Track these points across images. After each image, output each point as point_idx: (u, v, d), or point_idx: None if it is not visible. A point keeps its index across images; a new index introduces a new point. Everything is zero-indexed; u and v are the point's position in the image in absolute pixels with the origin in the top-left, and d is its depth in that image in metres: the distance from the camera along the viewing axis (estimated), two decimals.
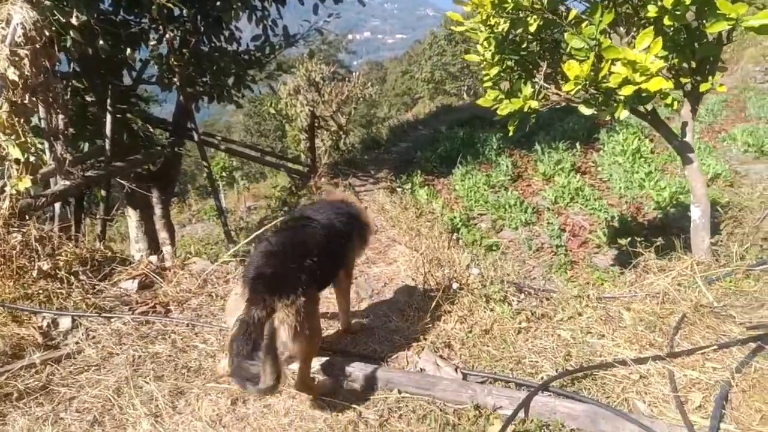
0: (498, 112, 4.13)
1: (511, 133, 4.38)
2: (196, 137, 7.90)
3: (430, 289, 4.14)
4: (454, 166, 10.62)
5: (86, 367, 2.94)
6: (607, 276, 6.37)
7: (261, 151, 11.78)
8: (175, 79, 7.18)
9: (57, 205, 5.24)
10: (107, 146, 5.97)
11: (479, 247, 7.02)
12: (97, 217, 6.40)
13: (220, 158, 17.87)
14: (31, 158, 4.93)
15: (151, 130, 7.39)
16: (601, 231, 7.34)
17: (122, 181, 6.42)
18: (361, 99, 14.30)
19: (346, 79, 14.38)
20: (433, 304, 3.58)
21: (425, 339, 3.29)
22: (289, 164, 10.24)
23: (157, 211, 8.89)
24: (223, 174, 17.76)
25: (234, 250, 4.56)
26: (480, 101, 4.24)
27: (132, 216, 8.75)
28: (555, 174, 9.84)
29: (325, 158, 10.30)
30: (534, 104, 3.95)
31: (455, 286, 3.72)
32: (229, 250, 7.71)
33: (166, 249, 9.11)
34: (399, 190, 8.45)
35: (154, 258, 4.09)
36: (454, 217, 7.61)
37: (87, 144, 7.56)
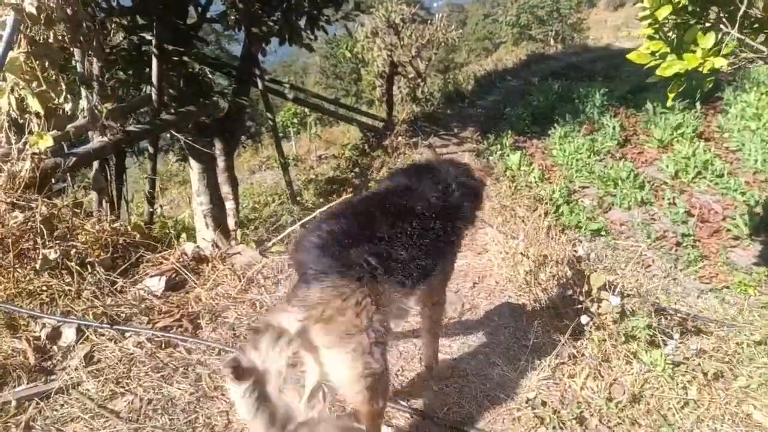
0: (658, 72, 2.90)
1: (670, 102, 3.16)
2: (260, 85, 7.00)
3: (541, 309, 3.11)
4: (549, 125, 9.21)
5: (79, 414, 2.15)
6: (751, 279, 5.05)
7: (333, 102, 10.81)
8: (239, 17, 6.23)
9: (95, 165, 4.53)
10: (154, 95, 5.17)
11: (584, 231, 5.81)
12: (146, 176, 5.70)
13: (292, 104, 17.10)
14: (67, 107, 4.18)
15: (210, 75, 6.55)
16: (740, 218, 5.90)
17: (176, 135, 5.66)
18: (443, 43, 13.02)
19: (428, 21, 13.16)
20: (557, 347, 2.54)
21: (544, 404, 2.28)
22: (363, 118, 9.20)
23: (220, 163, 8.22)
24: (295, 120, 16.98)
25: (283, 235, 3.67)
26: (632, 56, 3.01)
27: (194, 168, 8.11)
28: (673, 140, 8.25)
29: (402, 112, 9.16)
30: (719, 62, 2.69)
31: (585, 320, 2.65)
32: (292, 216, 6.96)
33: (229, 204, 8.51)
34: (488, 154, 7.26)
35: (189, 247, 3.26)
36: (554, 191, 6.39)
37: (147, 90, 6.85)
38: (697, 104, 9.33)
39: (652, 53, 2.95)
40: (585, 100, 10.27)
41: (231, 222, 8.42)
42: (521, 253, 3.74)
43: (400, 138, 7.65)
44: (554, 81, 12.01)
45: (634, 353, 2.59)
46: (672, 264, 5.39)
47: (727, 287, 5.06)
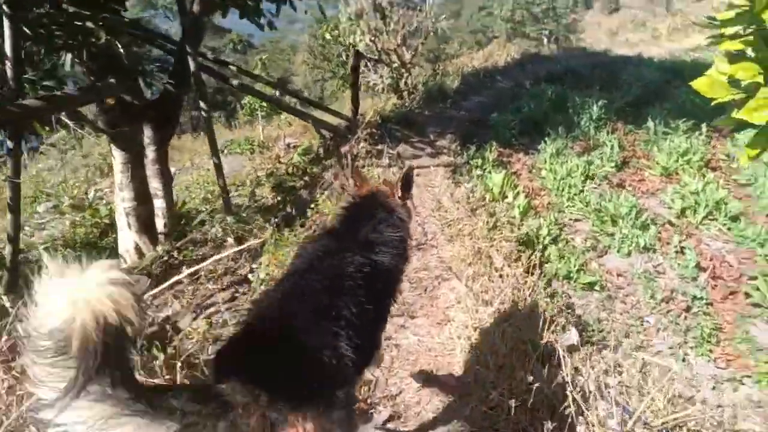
0: (742, 113, 1.76)
1: (745, 162, 2.03)
2: (192, 66, 5.67)
3: None
4: (539, 137, 8.08)
5: None
6: None
7: (290, 93, 9.48)
8: None
9: None
10: (9, 72, 3.81)
11: (574, 283, 4.68)
12: (5, 178, 4.31)
13: (263, 84, 15.64)
14: None
15: (120, 47, 5.18)
16: (762, 279, 4.82)
17: (68, 121, 4.36)
18: (432, 33, 12.08)
19: (418, 8, 12.25)
20: None
21: None
22: (326, 116, 7.81)
23: (150, 153, 6.85)
24: (263, 104, 15.54)
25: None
26: (700, 84, 1.86)
27: (116, 157, 6.74)
28: (679, 168, 7.17)
29: (370, 111, 7.87)
30: None
31: None
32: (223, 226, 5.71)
33: (158, 203, 7.17)
34: (465, 172, 6.07)
35: None
36: (540, 227, 5.23)
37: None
38: (703, 126, 8.21)
39: (732, 81, 1.79)
40: (580, 110, 9.15)
41: (160, 223, 7.12)
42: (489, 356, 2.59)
43: (362, 144, 6.41)
44: (548, 86, 10.86)
45: None
46: (682, 338, 4.30)
47: (749, 376, 4.00)
